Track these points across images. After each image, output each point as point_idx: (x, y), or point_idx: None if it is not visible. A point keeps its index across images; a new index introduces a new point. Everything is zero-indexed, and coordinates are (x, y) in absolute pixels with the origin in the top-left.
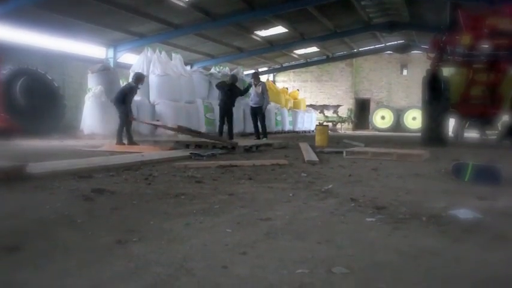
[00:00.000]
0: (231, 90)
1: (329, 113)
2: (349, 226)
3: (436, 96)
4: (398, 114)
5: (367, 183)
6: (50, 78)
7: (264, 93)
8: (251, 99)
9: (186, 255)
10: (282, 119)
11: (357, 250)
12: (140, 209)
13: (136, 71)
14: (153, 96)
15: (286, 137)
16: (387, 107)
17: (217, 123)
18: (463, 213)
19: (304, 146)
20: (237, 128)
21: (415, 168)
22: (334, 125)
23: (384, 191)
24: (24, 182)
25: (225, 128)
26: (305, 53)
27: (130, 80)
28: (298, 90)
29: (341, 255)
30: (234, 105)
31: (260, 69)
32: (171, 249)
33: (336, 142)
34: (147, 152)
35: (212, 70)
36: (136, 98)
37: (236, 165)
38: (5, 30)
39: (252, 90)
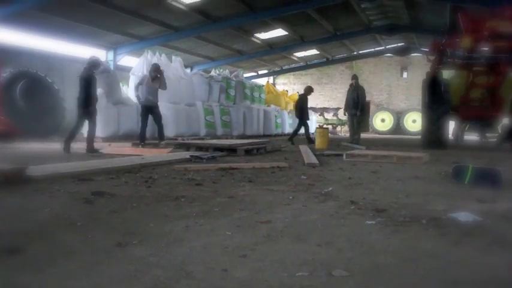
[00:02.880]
0: None
1: (329, 116)
2: (349, 229)
3: (436, 98)
4: (399, 116)
5: (367, 186)
6: (50, 80)
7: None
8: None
9: (186, 258)
10: (282, 122)
11: (357, 253)
12: (140, 212)
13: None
14: None
15: (286, 140)
16: (387, 109)
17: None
18: (463, 216)
19: (304, 149)
20: (238, 130)
21: (415, 171)
22: (334, 128)
23: (384, 193)
24: (24, 185)
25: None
26: (305, 56)
27: None
28: (298, 92)
29: (341, 258)
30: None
31: (260, 72)
32: (171, 251)
33: (336, 145)
34: (147, 155)
35: (212, 73)
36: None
37: (236, 168)
38: (5, 33)
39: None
